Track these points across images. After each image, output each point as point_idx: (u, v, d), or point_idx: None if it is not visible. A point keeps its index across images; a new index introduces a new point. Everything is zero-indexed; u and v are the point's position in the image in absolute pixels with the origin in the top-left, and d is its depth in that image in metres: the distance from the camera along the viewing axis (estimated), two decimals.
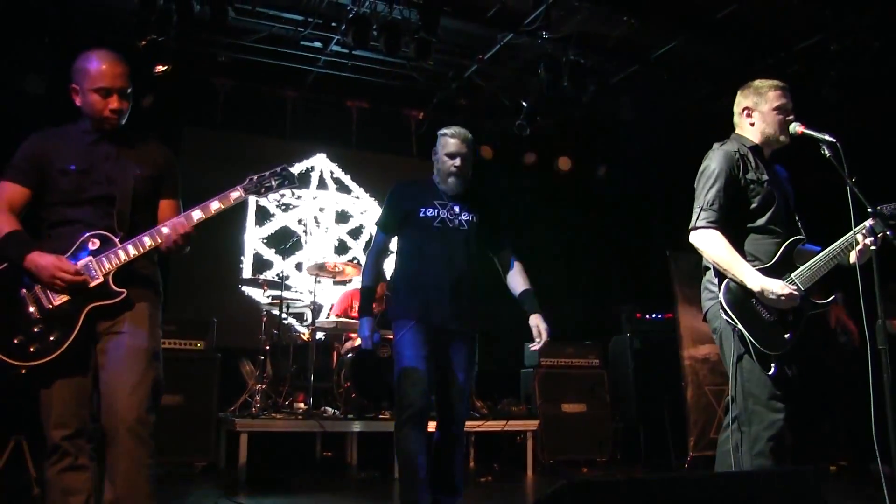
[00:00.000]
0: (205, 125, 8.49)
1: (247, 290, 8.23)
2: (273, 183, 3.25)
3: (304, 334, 7.30)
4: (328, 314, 7.81)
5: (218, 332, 6.78)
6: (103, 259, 2.93)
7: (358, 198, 9.18)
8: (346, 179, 9.18)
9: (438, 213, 3.97)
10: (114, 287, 2.94)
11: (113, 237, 2.97)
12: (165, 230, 2.99)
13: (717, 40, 7.56)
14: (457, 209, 4.02)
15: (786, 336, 3.22)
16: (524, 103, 8.73)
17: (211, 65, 8.07)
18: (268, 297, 7.17)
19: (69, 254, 2.91)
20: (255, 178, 3.23)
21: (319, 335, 7.13)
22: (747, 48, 7.63)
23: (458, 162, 3.98)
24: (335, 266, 7.07)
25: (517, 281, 4.31)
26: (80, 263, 2.90)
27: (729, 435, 3.32)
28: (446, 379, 3.89)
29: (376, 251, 4.13)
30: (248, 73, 8.35)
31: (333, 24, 7.39)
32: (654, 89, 8.41)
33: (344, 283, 8.09)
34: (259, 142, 8.81)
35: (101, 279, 2.92)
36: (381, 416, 6.50)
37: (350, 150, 9.20)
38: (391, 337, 4.04)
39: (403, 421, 3.68)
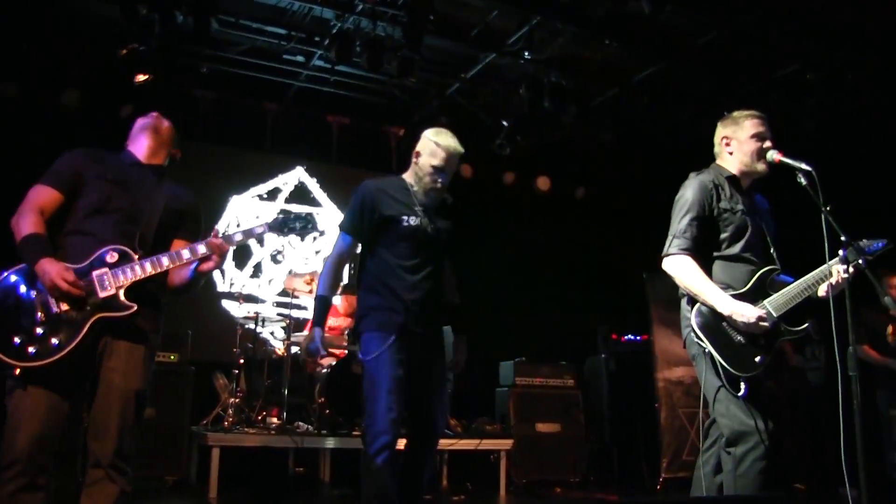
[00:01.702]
0: (185, 136, 8.40)
1: (222, 303, 8.20)
2: (297, 225, 3.39)
3: (278, 349, 7.27)
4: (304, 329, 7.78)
5: (192, 345, 6.75)
6: (118, 272, 2.99)
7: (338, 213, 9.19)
8: (318, 192, 9.17)
9: (421, 221, 3.70)
10: (124, 301, 2.98)
11: (132, 253, 3.04)
12: (195, 250, 3.11)
13: (697, 66, 7.68)
14: (436, 219, 3.80)
15: (756, 359, 3.27)
16: (505, 123, 8.80)
17: (192, 76, 8.07)
18: (243, 311, 7.15)
19: (85, 264, 2.96)
20: (282, 217, 3.40)
21: (294, 350, 7.11)
22: (727, 75, 7.75)
23: (444, 179, 3.75)
24: (312, 279, 7.06)
25: (452, 294, 4.06)
26: (95, 274, 2.95)
27: (709, 457, 3.38)
28: (426, 393, 3.67)
29: (338, 257, 3.80)
30: (229, 85, 8.37)
31: (317, 38, 7.44)
32: (634, 113, 8.50)
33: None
34: (239, 154, 8.81)
35: (112, 291, 2.96)
36: (355, 433, 6.47)
37: (330, 164, 9.21)
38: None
39: (377, 450, 3.39)
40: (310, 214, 3.46)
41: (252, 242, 8.64)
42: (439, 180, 3.75)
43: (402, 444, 3.62)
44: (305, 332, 7.18)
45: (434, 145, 3.76)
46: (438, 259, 3.81)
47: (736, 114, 3.63)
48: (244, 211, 8.67)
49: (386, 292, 3.65)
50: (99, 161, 3.20)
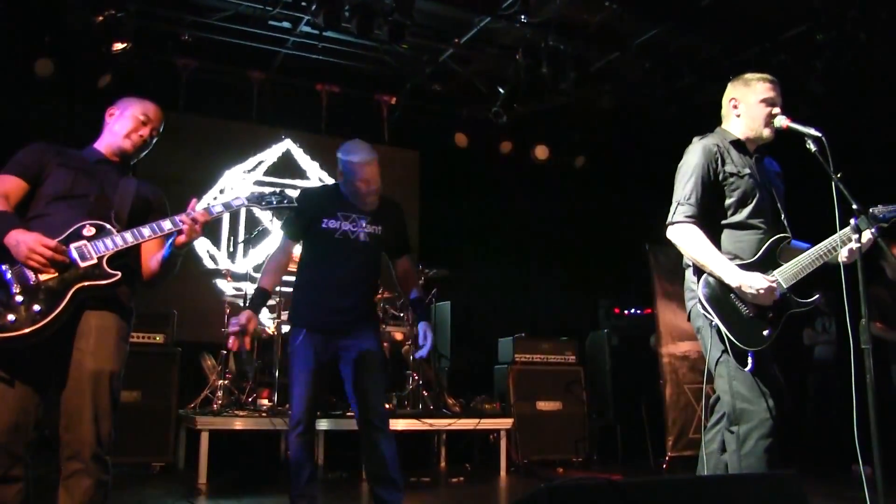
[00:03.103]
0: (165, 107, 8.35)
1: (210, 280, 8.17)
2: (273, 200, 3.45)
3: (269, 328, 7.26)
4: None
5: (178, 325, 6.74)
6: (98, 243, 2.96)
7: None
8: (309, 164, 9.13)
9: (341, 224, 4.08)
10: (108, 269, 2.94)
11: (109, 226, 3.02)
12: (175, 221, 3.08)
13: (701, 28, 7.61)
14: (362, 222, 4.13)
15: (764, 333, 3.25)
16: (501, 90, 8.75)
17: (173, 44, 7.98)
18: (232, 288, 7.14)
19: (61, 238, 2.90)
20: (258, 192, 3.43)
21: (285, 329, 7.09)
22: (732, 37, 7.69)
23: (374, 187, 4.08)
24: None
25: (409, 287, 4.41)
26: (73, 246, 2.91)
27: (714, 435, 3.37)
28: (354, 376, 4.03)
29: (276, 254, 4.20)
30: (212, 53, 8.28)
31: (303, 3, 7.34)
32: (635, 78, 8.44)
33: None
34: (223, 126, 8.75)
35: (94, 261, 2.92)
36: (349, 414, 6.48)
37: (319, 135, 9.16)
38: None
39: (291, 433, 3.99)
40: (283, 190, 3.49)
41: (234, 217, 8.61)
42: (372, 189, 4.09)
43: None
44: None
45: (348, 163, 4.06)
46: (363, 261, 4.13)
47: (748, 75, 3.58)
48: (233, 186, 8.64)
49: (303, 287, 4.16)
50: (62, 153, 3.17)
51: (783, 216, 3.51)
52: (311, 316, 4.06)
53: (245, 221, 8.65)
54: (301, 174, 9.02)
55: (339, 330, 4.03)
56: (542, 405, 7.56)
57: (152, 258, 3.22)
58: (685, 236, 3.36)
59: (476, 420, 6.95)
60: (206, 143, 8.51)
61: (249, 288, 7.08)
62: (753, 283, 3.20)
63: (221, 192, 8.55)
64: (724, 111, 3.66)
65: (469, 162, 9.67)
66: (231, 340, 4.04)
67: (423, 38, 8.07)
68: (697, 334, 3.48)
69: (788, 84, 3.62)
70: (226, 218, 8.51)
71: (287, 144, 9.03)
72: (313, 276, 4.12)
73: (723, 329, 3.24)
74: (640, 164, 9.42)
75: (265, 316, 7.83)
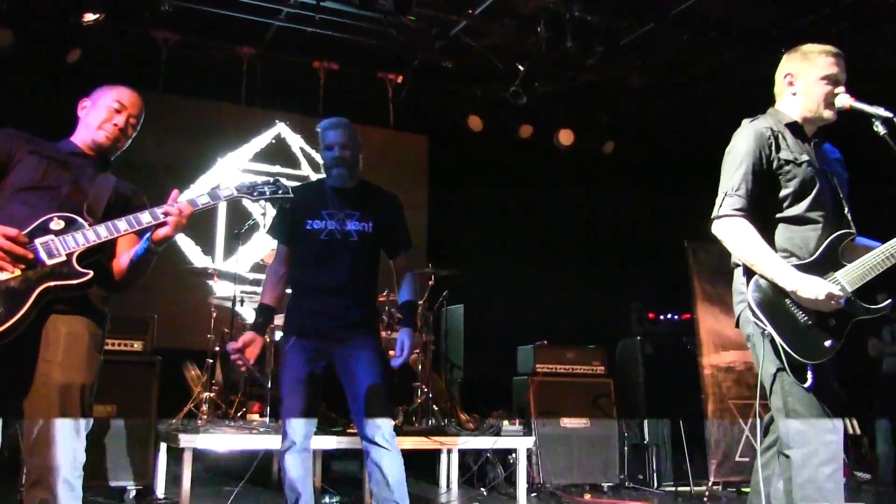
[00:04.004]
0: (144, 87, 8.33)
1: (194, 281, 8.14)
2: (267, 190, 3.44)
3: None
4: None
5: (158, 331, 6.70)
6: (67, 238, 2.91)
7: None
8: (302, 151, 9.11)
9: (326, 224, 4.19)
10: (78, 268, 2.90)
11: (81, 220, 2.98)
12: (155, 213, 3.05)
13: None
14: (351, 220, 4.23)
15: (826, 343, 3.17)
16: (520, 67, 8.70)
17: (151, 15, 7.94)
18: (218, 290, 7.11)
19: (25, 232, 2.86)
20: (249, 182, 3.43)
21: (278, 335, 7.06)
22: (783, 2, 7.58)
23: (336, 152, 4.21)
24: None
25: (405, 290, 4.46)
26: (38, 241, 2.87)
27: (769, 459, 3.30)
28: (353, 388, 4.12)
29: (273, 264, 4.35)
30: (195, 25, 8.24)
31: None
32: (671, 52, 8.36)
33: None
34: (209, 107, 8.75)
35: (62, 258, 2.88)
36: (349, 431, 6.43)
37: (316, 118, 9.08)
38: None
39: (284, 450, 4.11)
40: (278, 179, 3.51)
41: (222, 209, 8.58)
42: (335, 154, 4.23)
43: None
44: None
45: (319, 132, 4.30)
46: (350, 260, 4.21)
47: (807, 47, 3.49)
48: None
49: (297, 294, 4.33)
50: (33, 141, 3.16)
51: (846, 209, 3.43)
52: (300, 322, 4.19)
53: (232, 214, 8.63)
54: (294, 162, 9.00)
55: (331, 337, 4.12)
56: (567, 421, 7.50)
57: (122, 256, 3.19)
58: (733, 232, 3.29)
59: (493, 438, 6.88)
60: (189, 128, 8.49)
61: (237, 290, 7.06)
62: (812, 286, 3.12)
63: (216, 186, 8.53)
64: (777, 88, 3.59)
65: (484, 148, 9.63)
66: (240, 365, 4.08)
67: (433, 9, 8.03)
68: (747, 342, 3.42)
69: (851, 56, 3.52)
70: (222, 208, 8.51)
71: (279, 128, 8.99)
72: (301, 281, 4.27)
73: (777, 339, 3.16)
74: (677, 150, 9.36)
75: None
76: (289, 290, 4.40)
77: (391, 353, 4.70)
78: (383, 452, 4.00)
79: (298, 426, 4.07)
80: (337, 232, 4.18)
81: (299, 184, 4.40)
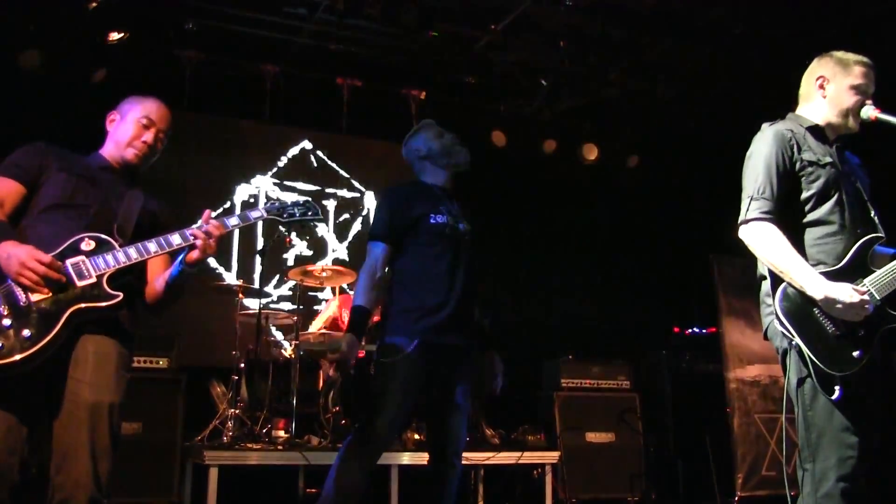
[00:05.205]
0: (169, 105, 8.42)
1: (219, 297, 8.16)
2: (297, 212, 3.44)
3: (285, 350, 7.23)
4: (317, 326, 7.73)
5: (184, 348, 6.73)
6: (98, 259, 2.93)
7: (350, 191, 9.14)
8: (327, 167, 9.13)
9: (447, 219, 4.00)
10: (108, 290, 2.91)
11: (112, 241, 2.99)
12: (185, 235, 3.06)
13: (772, 7, 7.49)
14: (459, 216, 4.12)
15: (854, 354, 3.10)
16: (543, 82, 8.69)
17: (176, 34, 8.00)
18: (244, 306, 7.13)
19: (55, 253, 2.87)
20: (279, 203, 3.45)
21: (302, 352, 7.06)
22: (809, 15, 7.54)
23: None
24: (321, 271, 7.01)
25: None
26: (69, 262, 2.88)
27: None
28: (446, 404, 3.92)
29: (374, 267, 3.97)
30: (219, 44, 8.29)
31: None
32: (696, 66, 8.34)
33: (332, 290, 8.04)
34: (232, 125, 8.76)
35: (93, 279, 2.89)
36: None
37: (340, 135, 9.14)
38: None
39: (362, 454, 3.79)
40: (308, 200, 3.50)
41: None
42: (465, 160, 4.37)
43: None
44: (312, 330, 7.17)
45: (434, 146, 4.38)
46: (469, 257, 4.07)
47: (842, 54, 3.47)
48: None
49: (413, 294, 3.94)
50: (64, 156, 3.18)
51: (873, 212, 3.37)
52: (430, 327, 3.83)
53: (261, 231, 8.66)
54: (318, 179, 9.00)
55: (459, 351, 3.92)
56: (593, 436, 7.48)
57: (157, 279, 3.19)
58: (761, 237, 3.21)
59: (518, 453, 6.88)
60: (214, 146, 8.52)
61: (262, 305, 7.07)
62: (842, 295, 3.05)
63: (253, 199, 8.58)
64: (804, 90, 3.55)
65: (508, 163, 9.61)
66: (331, 371, 4.00)
67: (456, 25, 8.03)
68: (778, 354, 3.34)
69: (879, 68, 3.50)
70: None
71: (303, 145, 9.02)
72: (421, 281, 3.92)
73: (805, 350, 3.10)
74: (702, 163, 9.31)
75: (281, 337, 7.83)
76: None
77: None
78: (453, 471, 3.97)
79: (392, 438, 3.86)
80: (456, 227, 4.03)
81: (402, 183, 4.39)
